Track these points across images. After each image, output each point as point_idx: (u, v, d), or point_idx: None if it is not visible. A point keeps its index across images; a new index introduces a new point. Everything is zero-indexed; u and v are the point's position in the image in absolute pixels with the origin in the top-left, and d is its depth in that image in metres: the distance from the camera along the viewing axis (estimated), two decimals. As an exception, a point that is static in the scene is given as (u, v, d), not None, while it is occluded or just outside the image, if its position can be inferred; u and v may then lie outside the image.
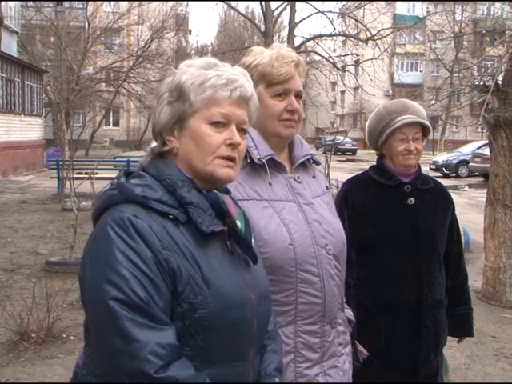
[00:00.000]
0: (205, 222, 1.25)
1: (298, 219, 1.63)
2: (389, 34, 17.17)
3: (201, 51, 34.50)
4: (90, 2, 27.11)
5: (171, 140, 1.32)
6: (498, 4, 13.18)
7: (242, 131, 1.35)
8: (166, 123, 1.32)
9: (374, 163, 2.46)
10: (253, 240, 1.37)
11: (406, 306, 2.22)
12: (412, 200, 2.30)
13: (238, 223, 1.33)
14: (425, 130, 2.32)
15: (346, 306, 1.79)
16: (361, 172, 2.51)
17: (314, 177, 1.79)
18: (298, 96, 1.70)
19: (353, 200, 2.31)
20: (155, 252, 1.19)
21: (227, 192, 1.40)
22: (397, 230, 2.26)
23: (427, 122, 2.30)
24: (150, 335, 1.14)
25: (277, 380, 1.39)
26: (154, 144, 1.38)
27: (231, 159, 1.31)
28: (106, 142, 35.04)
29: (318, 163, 1.83)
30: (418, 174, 2.37)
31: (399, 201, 2.30)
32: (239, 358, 1.29)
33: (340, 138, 28.80)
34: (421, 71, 46.60)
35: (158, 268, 1.18)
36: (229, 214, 1.32)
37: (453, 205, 2.46)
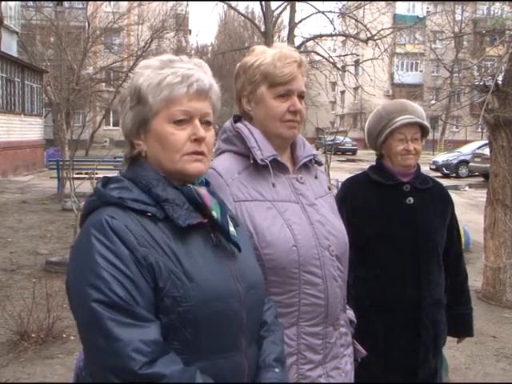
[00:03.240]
0: (181, 217, 1.27)
1: (301, 220, 1.62)
2: (389, 34, 17.15)
3: (201, 51, 34.52)
4: (90, 2, 27.09)
5: (139, 144, 1.35)
6: (497, 4, 13.18)
7: (207, 123, 1.35)
8: (131, 128, 1.35)
9: (374, 163, 2.47)
10: (231, 228, 1.36)
11: (405, 305, 2.22)
12: (411, 200, 2.30)
13: (214, 213, 1.33)
14: (424, 131, 2.32)
15: (347, 306, 1.79)
16: (360, 172, 2.51)
17: (316, 177, 1.79)
18: (301, 96, 1.69)
19: (352, 200, 2.31)
20: (132, 250, 1.21)
21: (206, 184, 1.41)
22: (396, 229, 2.25)
23: (426, 123, 2.30)
24: (133, 333, 1.15)
25: (277, 370, 1.39)
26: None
27: (198, 153, 1.32)
28: (105, 142, 35.02)
29: (320, 164, 1.82)
30: (417, 174, 2.37)
31: (398, 200, 2.30)
32: (231, 348, 1.30)
33: (340, 138, 28.80)
34: (421, 71, 46.60)
35: (136, 266, 1.20)
36: (205, 206, 1.33)
37: (452, 204, 2.46)
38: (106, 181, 1.35)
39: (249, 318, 1.33)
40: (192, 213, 1.30)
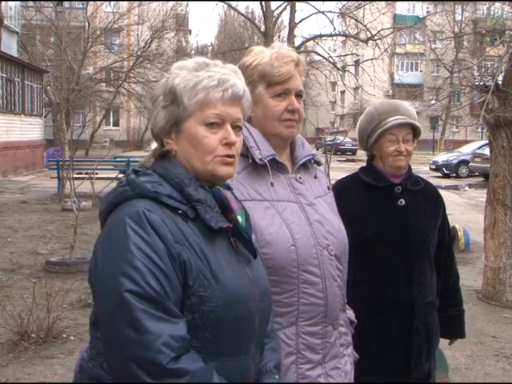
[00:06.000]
0: (213, 219, 1.29)
1: (299, 220, 1.62)
2: (389, 34, 17.13)
3: (201, 51, 34.49)
4: (90, 2, 27.10)
5: (169, 142, 1.36)
6: (497, 4, 13.18)
7: (237, 128, 1.38)
8: (163, 127, 1.35)
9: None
10: (253, 236, 1.40)
11: (397, 307, 2.20)
12: (402, 201, 2.27)
13: (239, 218, 1.36)
14: (415, 131, 2.29)
15: (347, 306, 1.78)
16: (351, 173, 2.48)
17: (315, 177, 1.79)
18: (299, 95, 1.69)
19: (343, 202, 2.27)
20: (168, 245, 1.22)
21: (228, 188, 1.44)
22: (388, 231, 2.23)
23: (418, 123, 2.28)
24: (164, 327, 1.16)
25: (277, 377, 1.42)
26: (154, 145, 1.42)
27: (229, 156, 1.34)
28: (106, 142, 35.02)
29: (319, 163, 1.82)
30: (408, 175, 2.34)
31: (390, 202, 2.28)
32: (242, 351, 1.32)
33: (340, 138, 28.84)
34: (421, 71, 46.63)
35: (170, 261, 1.21)
36: (231, 209, 1.35)
37: (443, 205, 2.43)
38: (135, 172, 1.34)
39: (260, 322, 1.36)
40: (221, 216, 1.32)
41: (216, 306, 1.24)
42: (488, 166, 6.36)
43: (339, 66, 18.66)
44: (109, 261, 1.22)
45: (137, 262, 1.18)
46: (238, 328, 1.29)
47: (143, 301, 1.16)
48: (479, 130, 34.57)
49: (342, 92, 45.49)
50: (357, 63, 20.13)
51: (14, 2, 20.64)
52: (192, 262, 1.24)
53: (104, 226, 1.30)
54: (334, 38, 18.92)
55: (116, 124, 39.37)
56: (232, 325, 1.27)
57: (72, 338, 4.53)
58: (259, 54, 1.69)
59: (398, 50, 37.17)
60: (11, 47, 20.27)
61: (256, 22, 25.33)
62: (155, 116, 1.36)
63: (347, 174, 2.52)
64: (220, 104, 1.32)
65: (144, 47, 26.18)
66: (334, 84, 38.54)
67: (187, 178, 1.32)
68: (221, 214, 1.32)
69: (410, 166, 2.37)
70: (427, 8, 32.48)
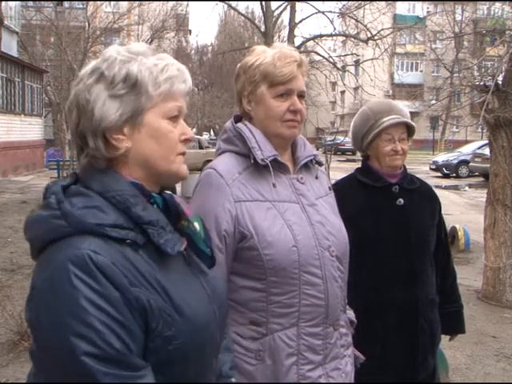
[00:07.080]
0: (168, 243, 1.12)
1: (301, 220, 1.62)
2: (389, 34, 17.12)
3: (201, 51, 34.53)
4: (90, 2, 27.11)
5: (120, 139, 1.15)
6: (498, 4, 13.19)
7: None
8: (115, 120, 1.13)
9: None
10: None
11: (401, 307, 2.20)
12: (401, 201, 2.28)
13: (197, 225, 1.23)
14: (410, 130, 2.30)
15: (347, 307, 1.78)
16: (348, 174, 2.48)
17: (316, 177, 1.79)
18: (301, 96, 1.68)
19: (341, 203, 2.28)
20: (123, 291, 1.05)
21: (174, 192, 1.29)
22: (388, 231, 2.23)
23: (412, 122, 2.30)
24: None
25: (233, 380, 1.37)
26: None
27: (184, 154, 1.22)
28: (105, 141, 35.04)
29: (320, 164, 1.82)
30: (404, 175, 2.35)
31: (388, 202, 2.28)
32: (207, 370, 1.25)
33: (340, 138, 28.89)
34: (421, 71, 46.68)
35: (129, 310, 1.05)
36: (184, 215, 1.21)
37: (439, 204, 2.45)
38: (63, 188, 1.13)
39: (220, 334, 1.29)
40: (174, 234, 1.16)
41: (181, 342, 1.11)
42: (488, 166, 6.36)
43: (339, 66, 18.65)
44: (56, 320, 1.02)
45: (91, 318, 1.01)
46: (203, 351, 1.19)
47: (104, 362, 1.01)
48: (479, 129, 34.59)
49: (342, 92, 45.49)
50: (357, 63, 20.14)
51: (14, 2, 20.65)
52: (152, 302, 1.08)
53: (39, 263, 1.10)
54: (334, 38, 18.91)
55: (116, 124, 39.38)
56: (197, 351, 1.16)
57: (72, 338, 4.53)
58: (261, 54, 1.68)
59: (398, 49, 37.17)
60: (11, 47, 20.28)
61: (256, 22, 25.31)
62: (100, 108, 1.13)
63: (345, 175, 2.53)
64: (180, 96, 1.19)
65: (144, 47, 26.18)
66: (334, 84, 38.51)
67: (131, 195, 1.12)
68: (174, 232, 1.16)
69: (404, 166, 2.39)
70: (427, 8, 32.51)
